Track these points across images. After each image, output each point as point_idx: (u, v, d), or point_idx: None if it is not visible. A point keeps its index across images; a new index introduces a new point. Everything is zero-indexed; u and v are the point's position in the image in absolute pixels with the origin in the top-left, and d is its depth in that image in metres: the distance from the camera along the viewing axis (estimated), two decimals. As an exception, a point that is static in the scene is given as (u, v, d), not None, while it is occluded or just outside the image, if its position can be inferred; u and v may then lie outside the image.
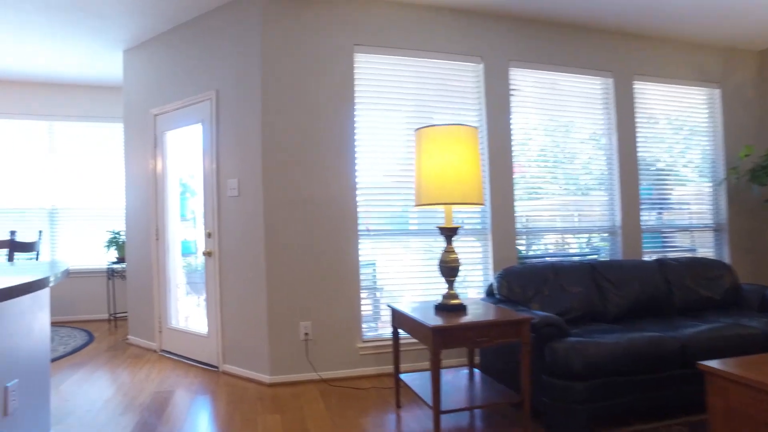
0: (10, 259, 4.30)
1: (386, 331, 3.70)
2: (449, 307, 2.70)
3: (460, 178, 2.61)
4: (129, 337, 4.63)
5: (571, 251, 4.26)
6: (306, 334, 3.45)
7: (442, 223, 3.86)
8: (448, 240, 2.77)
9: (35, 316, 2.32)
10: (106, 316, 5.76)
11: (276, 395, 3.21)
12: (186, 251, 4.82)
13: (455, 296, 2.75)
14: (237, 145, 3.60)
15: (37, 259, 4.64)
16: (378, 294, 3.73)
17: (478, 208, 3.97)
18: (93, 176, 5.91)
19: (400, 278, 3.74)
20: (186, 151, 4.39)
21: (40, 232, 4.87)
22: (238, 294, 3.60)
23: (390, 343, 3.61)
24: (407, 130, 3.78)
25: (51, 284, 2.00)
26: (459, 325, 2.40)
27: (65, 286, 5.75)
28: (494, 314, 2.56)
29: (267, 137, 3.44)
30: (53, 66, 5.16)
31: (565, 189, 4.22)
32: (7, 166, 5.72)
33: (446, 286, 2.82)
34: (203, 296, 4.69)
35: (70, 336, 4.93)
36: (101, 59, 4.96)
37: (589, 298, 3.30)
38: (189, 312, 4.62)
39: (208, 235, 3.77)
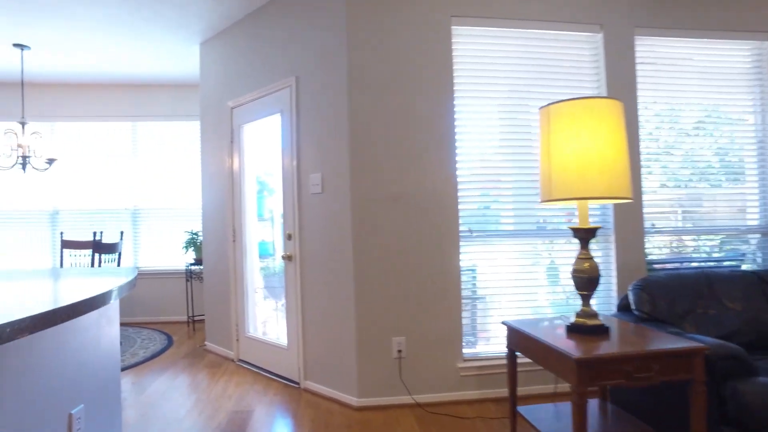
0: (94, 261, 4.21)
1: (488, 348, 3.16)
2: (586, 329, 2.13)
3: (604, 166, 2.04)
4: (206, 343, 4.41)
5: (695, 255, 3.50)
6: (399, 351, 2.99)
7: (550, 222, 3.27)
8: (584, 244, 2.20)
9: (102, 331, 2.02)
10: (185, 318, 5.64)
11: (366, 421, 2.78)
12: (264, 253, 4.57)
13: (594, 315, 2.17)
14: (320, 136, 3.21)
15: (119, 260, 4.54)
16: (479, 305, 3.20)
17: (596, 204, 3.33)
18: (173, 176, 5.82)
19: (502, 286, 3.19)
20: (263, 146, 4.10)
21: (122, 232, 4.78)
22: (322, 303, 3.21)
23: (495, 363, 3.07)
24: (513, 112, 3.22)
25: (113, 299, 1.67)
26: (612, 356, 1.83)
27: (147, 287, 5.70)
28: (649, 339, 1.95)
29: (354, 126, 3.02)
30: (135, 65, 5.08)
31: (700, 179, 3.47)
32: (94, 168, 5.76)
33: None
34: (282, 302, 4.42)
35: (150, 339, 4.81)
36: (179, 55, 4.80)
37: (761, 318, 2.58)
38: (267, 319, 4.34)
39: (288, 237, 3.41)
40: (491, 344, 3.18)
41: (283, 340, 3.57)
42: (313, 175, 3.23)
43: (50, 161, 4.53)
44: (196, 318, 5.48)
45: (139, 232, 5.78)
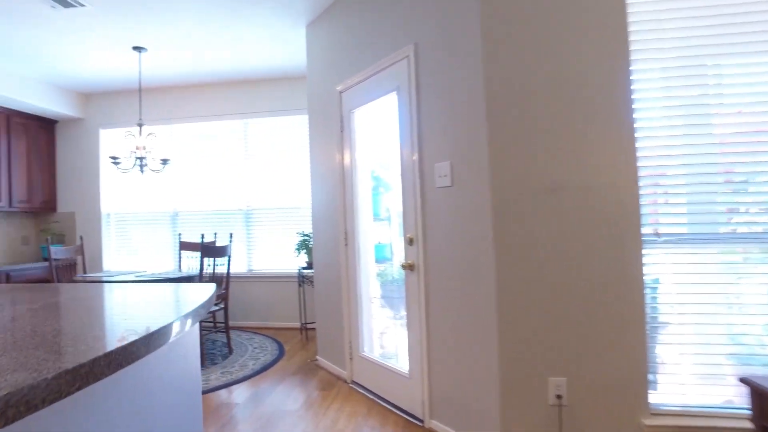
0: (202, 264, 3.98)
1: (685, 398, 2.25)
2: None
3: None
4: (318, 357, 3.98)
5: None
6: (558, 396, 2.23)
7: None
8: None
9: (172, 371, 1.55)
10: (298, 325, 5.34)
11: (515, 491, 2.06)
12: (380, 257, 4.07)
13: None
14: (447, 115, 2.55)
15: (228, 263, 4.29)
16: (661, 335, 2.31)
17: None
18: (286, 173, 5.55)
19: (698, 312, 2.26)
20: (378, 134, 3.57)
21: (231, 234, 4.54)
22: (453, 325, 2.55)
23: (702, 424, 2.16)
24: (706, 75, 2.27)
25: (170, 338, 1.15)
26: None
27: (260, 291, 5.49)
28: None
29: (493, 100, 2.31)
30: (243, 59, 4.86)
31: None
32: (209, 169, 5.70)
33: None
34: (402, 313, 3.91)
35: (261, 348, 4.52)
36: (287, 42, 4.45)
37: None
38: (385, 334, 3.81)
39: (409, 242, 2.80)
40: (687, 391, 2.27)
41: (403, 365, 2.98)
42: (439, 165, 2.58)
43: (164, 161, 4.43)
44: (308, 326, 5.13)
45: (253, 233, 5.60)
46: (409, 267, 2.78)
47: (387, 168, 4.23)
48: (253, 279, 5.51)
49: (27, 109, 5.45)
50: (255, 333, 5.15)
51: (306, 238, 4.98)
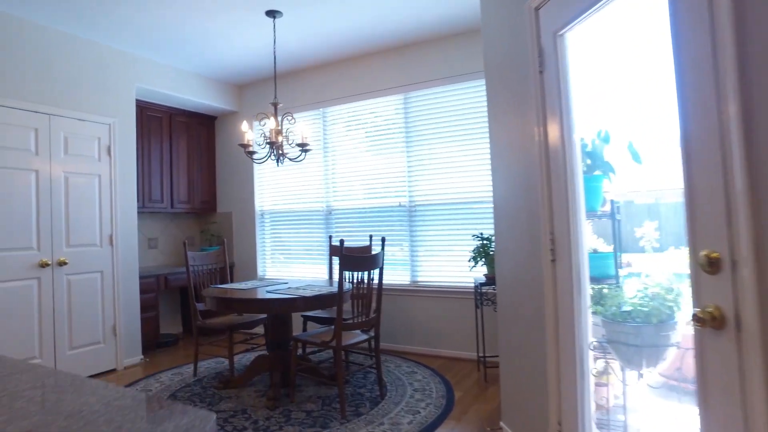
0: (337, 277, 2.98)
1: None
2: None
3: None
4: (502, 425, 2.67)
5: None
6: None
7: None
8: None
9: None
10: (474, 356, 4.07)
11: None
12: (597, 274, 2.70)
13: None
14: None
15: (380, 277, 3.23)
16: None
17: None
18: (459, 157, 4.32)
19: None
20: (596, 78, 2.16)
21: (383, 240, 3.48)
22: None
23: None
24: None
25: None
26: None
27: (426, 308, 4.37)
28: None
29: None
30: (391, 10, 3.79)
31: None
32: (364, 157, 4.78)
33: None
34: (643, 370, 2.55)
35: (423, 390, 3.39)
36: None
37: None
38: (612, 401, 2.42)
39: (707, 265, 1.30)
40: None
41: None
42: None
43: (303, 147, 3.57)
44: (488, 360, 3.81)
45: (417, 235, 4.51)
46: (710, 320, 1.29)
47: (604, 141, 2.77)
48: (417, 293, 4.43)
49: (186, 106, 5.22)
50: (417, 363, 4.04)
51: (485, 243, 3.69)
